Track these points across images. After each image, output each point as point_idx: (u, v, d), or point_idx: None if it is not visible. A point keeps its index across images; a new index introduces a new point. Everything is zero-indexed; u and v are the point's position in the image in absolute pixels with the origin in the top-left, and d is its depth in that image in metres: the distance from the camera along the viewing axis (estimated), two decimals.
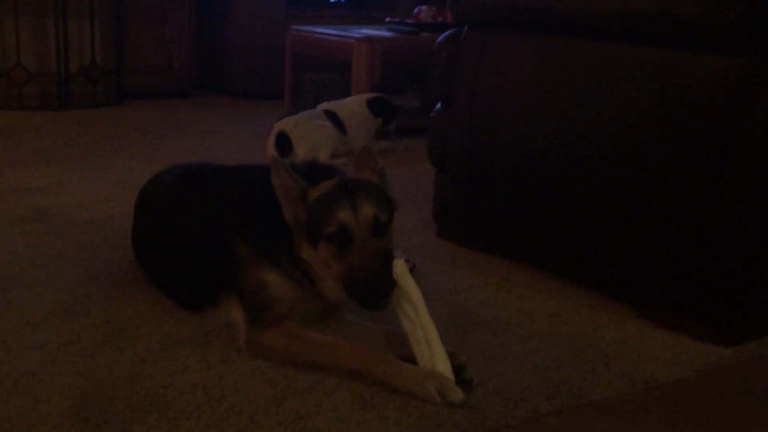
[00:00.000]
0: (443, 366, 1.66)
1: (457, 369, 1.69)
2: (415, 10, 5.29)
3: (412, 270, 2.38)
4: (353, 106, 4.20)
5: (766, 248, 1.96)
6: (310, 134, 3.86)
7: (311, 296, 1.84)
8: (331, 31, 4.78)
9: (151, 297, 2.13)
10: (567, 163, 2.23)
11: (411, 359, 1.70)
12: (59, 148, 3.96)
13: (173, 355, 1.82)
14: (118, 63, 5.28)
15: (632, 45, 2.08)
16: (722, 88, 1.90)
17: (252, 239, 1.85)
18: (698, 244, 2.00)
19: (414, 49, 4.65)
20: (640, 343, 2.01)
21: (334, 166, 1.95)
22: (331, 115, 4.03)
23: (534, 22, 2.33)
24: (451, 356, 1.70)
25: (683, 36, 1.95)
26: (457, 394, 1.64)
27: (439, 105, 2.73)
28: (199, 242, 1.96)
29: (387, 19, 5.26)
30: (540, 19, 2.30)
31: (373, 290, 1.64)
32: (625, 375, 1.83)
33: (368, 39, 4.49)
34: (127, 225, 2.40)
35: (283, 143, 3.86)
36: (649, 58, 2.03)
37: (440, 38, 2.68)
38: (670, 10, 1.96)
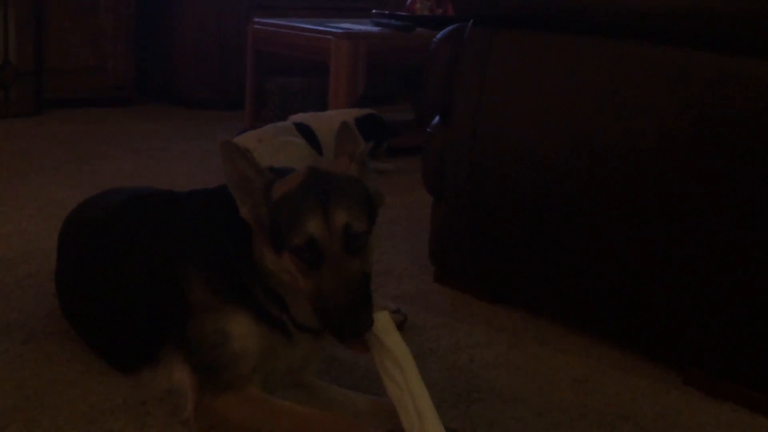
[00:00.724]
0: None
1: None
2: (409, 1, 5.35)
3: (403, 324, 2.39)
4: (335, 120, 4.20)
5: None
6: (277, 153, 3.87)
7: (285, 340, 1.83)
8: (304, 26, 4.82)
9: (77, 355, 2.12)
10: (595, 191, 2.25)
11: None
12: None
13: (102, 429, 1.81)
14: (37, 63, 5.29)
15: (673, 47, 2.11)
16: None
17: (213, 272, 1.84)
18: (759, 297, 2.01)
19: (406, 49, 4.69)
20: (687, 417, 2.01)
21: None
22: (305, 131, 4.05)
23: (554, 18, 2.36)
24: None
25: (729, 37, 1.99)
26: None
27: (436, 118, 2.75)
28: (140, 282, 1.95)
29: (374, 11, 5.31)
30: (562, 14, 2.33)
31: (346, 324, 1.64)
32: None
33: (350, 35, 4.53)
34: (48, 264, 2.39)
35: None
36: (698, 61, 2.05)
37: (439, 35, 2.71)
38: (717, 6, 2.00)
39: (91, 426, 1.83)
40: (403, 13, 5.14)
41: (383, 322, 1.70)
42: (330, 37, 4.56)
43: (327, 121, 4.18)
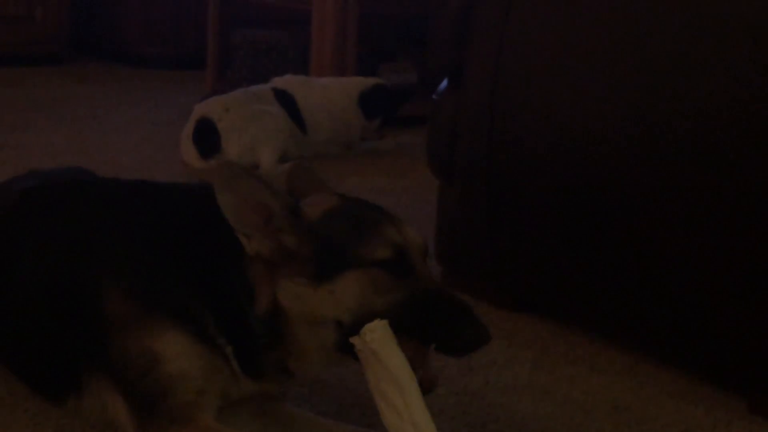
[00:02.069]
0: None
1: None
2: None
3: None
4: (330, 94, 4.20)
5: None
6: (248, 124, 3.88)
7: (229, 373, 1.84)
8: None
9: None
10: (650, 172, 2.25)
11: None
12: None
13: None
14: None
15: None
16: None
17: (135, 282, 1.84)
18: None
19: None
20: None
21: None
22: (286, 100, 4.04)
23: None
24: None
25: None
26: None
27: (444, 82, 2.76)
28: (49, 292, 1.95)
29: None
30: None
31: (472, 324, 1.72)
32: None
33: None
34: None
35: (206, 137, 3.88)
36: None
37: None
38: None
39: None
40: None
41: (382, 332, 1.71)
42: None
43: (318, 92, 4.16)
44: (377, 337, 1.70)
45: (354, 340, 1.69)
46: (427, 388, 1.71)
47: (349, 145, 4.30)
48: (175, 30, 5.84)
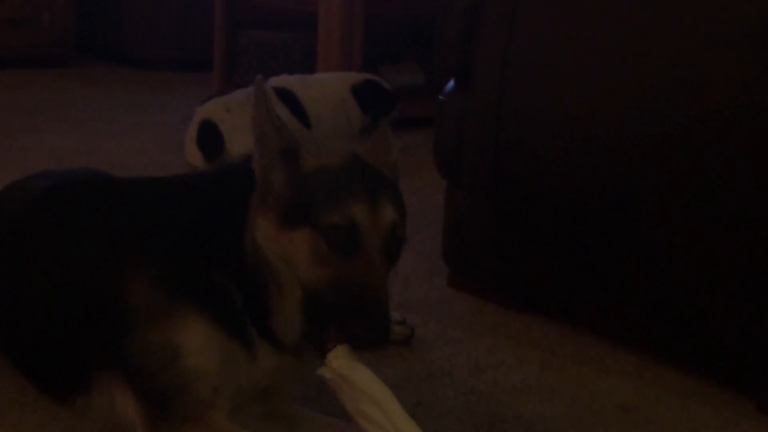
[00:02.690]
0: None
1: None
2: None
3: (410, 339, 2.40)
4: (328, 86, 4.23)
5: None
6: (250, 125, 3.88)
7: (245, 353, 1.84)
8: None
9: (5, 380, 2.13)
10: (654, 176, 2.25)
11: None
12: None
13: None
14: None
15: None
16: None
17: (160, 273, 1.85)
18: None
19: None
20: None
21: None
22: (288, 97, 4.06)
23: None
24: None
25: None
26: None
27: (451, 82, 2.76)
28: (58, 289, 1.95)
29: None
30: None
31: (369, 324, 1.68)
32: None
33: None
34: None
35: (209, 138, 3.88)
36: None
37: None
38: None
39: None
40: None
41: (343, 357, 1.71)
42: None
43: (316, 86, 4.19)
44: (343, 363, 1.70)
45: (322, 371, 1.70)
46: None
47: (351, 136, 4.29)
48: (181, 32, 5.84)
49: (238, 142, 3.84)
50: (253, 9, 5.25)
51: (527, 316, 2.63)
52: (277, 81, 4.18)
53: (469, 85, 2.65)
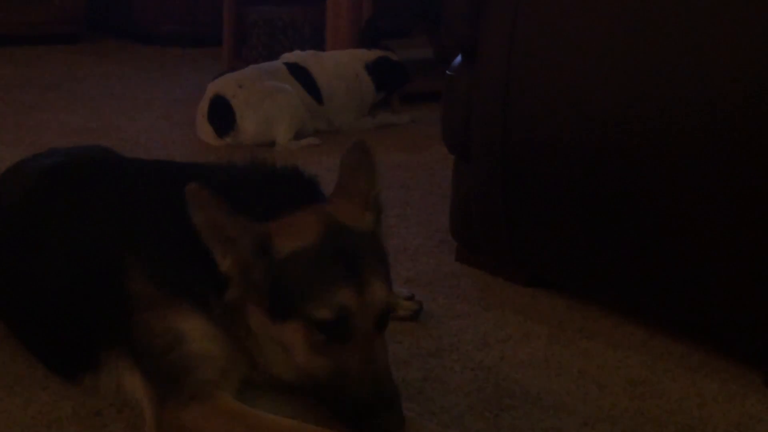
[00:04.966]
0: None
1: None
2: None
3: (418, 314, 2.41)
4: (341, 63, 4.24)
5: None
6: (263, 100, 3.89)
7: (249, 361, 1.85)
8: None
9: (16, 357, 2.14)
10: (669, 149, 2.24)
11: None
12: None
13: None
14: None
15: None
16: None
17: (159, 265, 1.86)
18: None
19: None
20: None
21: (300, 170, 1.91)
22: (300, 73, 4.06)
23: None
24: None
25: None
26: None
27: (458, 58, 2.76)
28: (67, 269, 1.96)
29: None
30: None
31: (376, 420, 1.69)
32: None
33: None
34: None
35: (221, 114, 3.89)
36: None
37: None
38: None
39: None
40: None
41: None
42: None
43: (329, 62, 4.20)
44: None
45: None
46: None
47: (362, 112, 4.31)
48: (190, 8, 5.84)
49: (249, 118, 3.85)
50: None
51: (535, 291, 2.63)
52: (289, 57, 4.20)
53: (476, 60, 2.64)
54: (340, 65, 4.21)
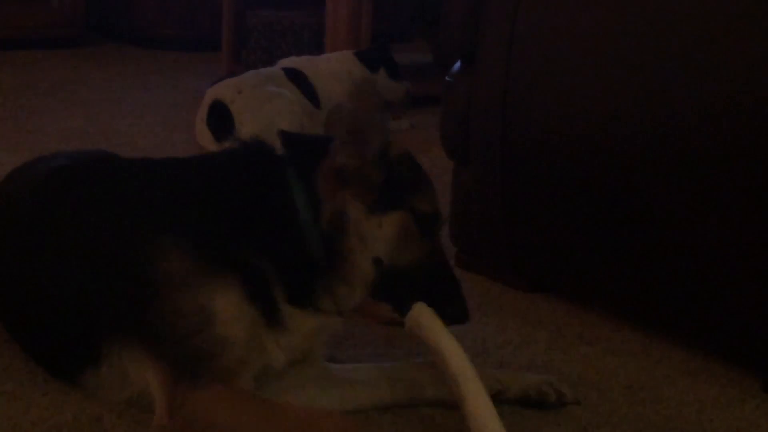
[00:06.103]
0: None
1: None
2: None
3: None
4: (334, 62, 4.25)
5: None
6: (262, 105, 3.89)
7: (272, 327, 1.87)
8: None
9: (15, 363, 2.14)
10: (660, 154, 2.25)
11: None
12: None
13: None
14: None
15: None
16: None
17: (191, 234, 1.88)
18: None
19: None
20: None
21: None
22: (298, 78, 4.07)
23: None
24: None
25: None
26: None
27: (458, 63, 2.76)
28: (80, 261, 1.95)
29: None
30: None
31: (460, 299, 1.95)
32: None
33: None
34: None
35: (220, 120, 3.89)
36: None
37: None
38: None
39: None
40: None
41: (427, 314, 1.87)
42: None
43: (325, 66, 4.20)
44: (423, 321, 1.87)
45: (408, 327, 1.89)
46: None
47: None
48: (190, 12, 5.84)
49: (248, 123, 3.85)
50: None
51: (534, 296, 2.64)
52: (286, 62, 4.21)
53: (475, 64, 2.64)
54: (333, 65, 4.23)
